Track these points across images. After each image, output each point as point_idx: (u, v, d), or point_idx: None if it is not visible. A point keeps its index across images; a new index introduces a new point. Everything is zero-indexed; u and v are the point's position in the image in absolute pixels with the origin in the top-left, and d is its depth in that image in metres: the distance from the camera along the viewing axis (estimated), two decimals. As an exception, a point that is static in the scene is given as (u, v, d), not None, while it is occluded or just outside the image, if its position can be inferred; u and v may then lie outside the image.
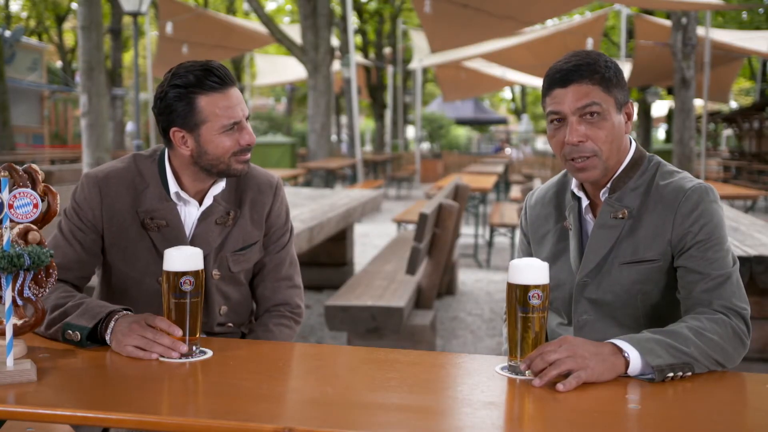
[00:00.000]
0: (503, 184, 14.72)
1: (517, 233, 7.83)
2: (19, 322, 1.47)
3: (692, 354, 1.51)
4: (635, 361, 1.48)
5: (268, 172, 2.11)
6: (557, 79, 1.72)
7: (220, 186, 1.98)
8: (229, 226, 1.98)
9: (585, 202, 1.83)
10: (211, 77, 1.84)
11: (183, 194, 1.94)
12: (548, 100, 1.75)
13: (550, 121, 1.76)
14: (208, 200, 1.96)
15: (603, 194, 1.79)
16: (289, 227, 2.12)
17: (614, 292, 1.76)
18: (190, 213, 1.96)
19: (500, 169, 13.12)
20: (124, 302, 1.84)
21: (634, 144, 1.81)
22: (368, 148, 32.68)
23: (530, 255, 1.95)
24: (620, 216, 1.75)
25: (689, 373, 1.50)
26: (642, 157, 1.80)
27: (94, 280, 2.06)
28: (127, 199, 1.92)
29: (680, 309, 1.72)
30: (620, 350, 1.48)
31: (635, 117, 27.10)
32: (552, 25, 18.97)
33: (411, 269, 3.95)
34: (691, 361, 1.50)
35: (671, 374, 1.47)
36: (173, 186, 1.93)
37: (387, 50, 28.30)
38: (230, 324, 2.04)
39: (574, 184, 1.85)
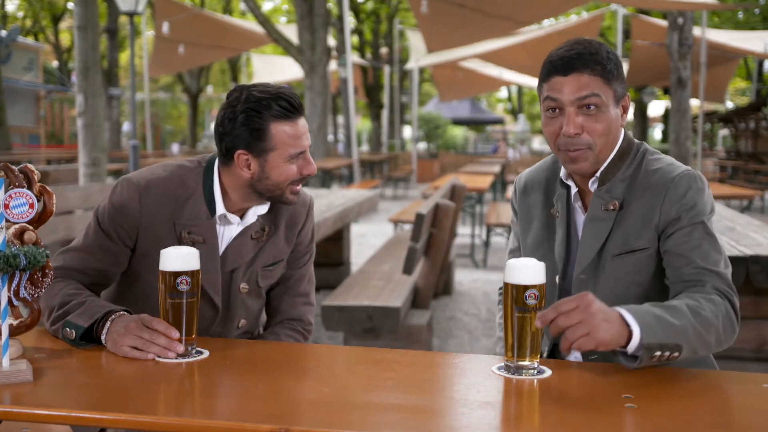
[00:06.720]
0: (500, 183, 14.73)
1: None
2: (15, 323, 1.47)
3: (687, 333, 1.49)
4: (636, 337, 1.44)
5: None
6: (558, 66, 1.69)
7: (265, 207, 1.96)
8: (263, 241, 1.97)
9: (574, 189, 1.82)
10: (285, 105, 1.82)
11: (229, 216, 1.91)
12: (546, 86, 1.72)
13: (546, 108, 1.73)
14: (251, 218, 1.94)
15: (592, 184, 1.78)
16: (313, 245, 2.12)
17: (609, 287, 1.75)
18: (229, 230, 1.94)
19: (497, 169, 13.13)
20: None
21: (623, 133, 1.79)
22: (365, 148, 32.69)
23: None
24: (611, 208, 1.75)
25: (676, 354, 1.48)
26: (630, 146, 1.79)
27: None
28: (167, 210, 1.88)
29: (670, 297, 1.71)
30: (626, 323, 1.45)
31: (631, 116, 27.19)
32: (548, 25, 19.00)
33: (407, 269, 3.95)
34: (682, 343, 1.48)
35: (659, 353, 1.45)
36: (220, 207, 1.90)
37: (384, 50, 28.31)
38: (242, 333, 2.04)
39: (562, 173, 1.84)
